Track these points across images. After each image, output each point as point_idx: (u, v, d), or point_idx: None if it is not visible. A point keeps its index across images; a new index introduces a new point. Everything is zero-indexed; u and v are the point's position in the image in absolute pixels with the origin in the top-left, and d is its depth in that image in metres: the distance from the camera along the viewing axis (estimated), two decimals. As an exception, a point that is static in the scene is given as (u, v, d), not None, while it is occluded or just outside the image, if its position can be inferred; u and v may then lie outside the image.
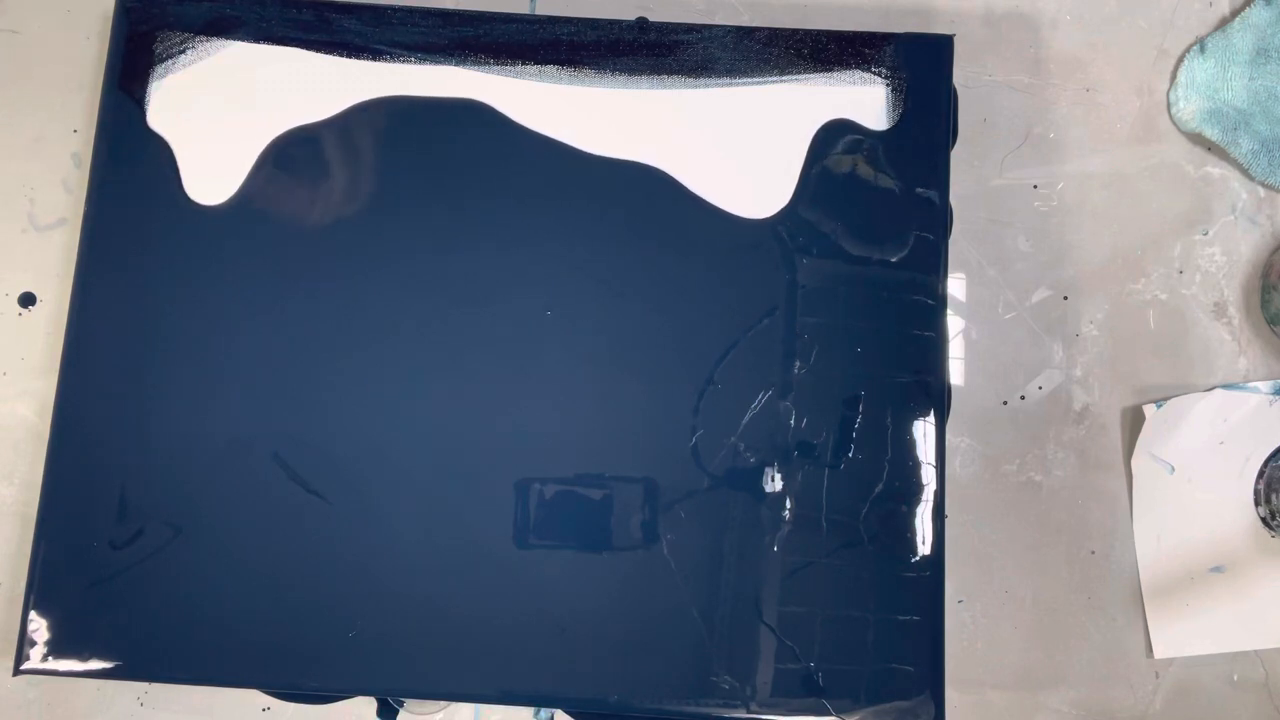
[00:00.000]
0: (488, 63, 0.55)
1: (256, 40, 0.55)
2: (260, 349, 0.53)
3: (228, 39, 0.55)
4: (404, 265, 0.54)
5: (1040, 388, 0.56)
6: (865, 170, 0.54)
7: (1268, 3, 0.57)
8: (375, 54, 0.55)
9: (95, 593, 0.51)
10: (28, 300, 0.56)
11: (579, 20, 0.55)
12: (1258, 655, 0.55)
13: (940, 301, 0.53)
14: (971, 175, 0.57)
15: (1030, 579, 0.55)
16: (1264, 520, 0.56)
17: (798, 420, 0.53)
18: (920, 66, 0.55)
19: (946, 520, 0.53)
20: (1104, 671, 0.55)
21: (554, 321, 0.53)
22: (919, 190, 0.54)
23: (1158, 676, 0.55)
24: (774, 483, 0.52)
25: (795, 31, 0.55)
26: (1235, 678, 0.55)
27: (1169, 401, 0.56)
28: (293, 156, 0.54)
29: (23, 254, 0.56)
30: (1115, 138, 0.58)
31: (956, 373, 0.56)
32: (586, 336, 0.53)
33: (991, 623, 0.55)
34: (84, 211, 0.54)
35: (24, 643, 0.50)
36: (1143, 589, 0.55)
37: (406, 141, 0.54)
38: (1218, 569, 0.56)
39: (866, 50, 0.55)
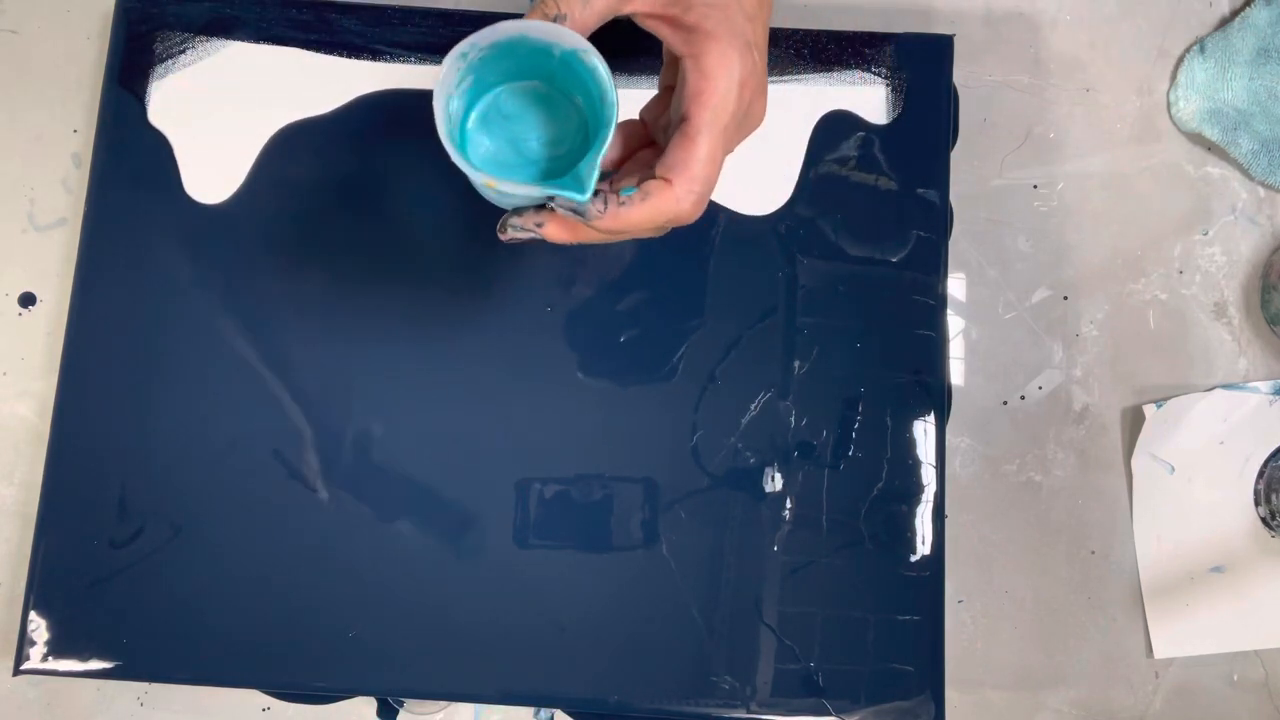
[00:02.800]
0: (488, 63, 0.55)
1: (256, 40, 0.55)
2: (260, 347, 0.53)
3: (228, 39, 0.55)
4: (404, 262, 0.54)
5: (1040, 388, 0.56)
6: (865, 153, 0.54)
7: (1268, 3, 0.57)
8: (375, 54, 0.55)
9: (95, 593, 0.51)
10: (28, 300, 0.56)
11: (579, 20, 0.55)
12: (1258, 655, 0.55)
13: (940, 301, 0.54)
14: (971, 175, 0.57)
15: (1030, 579, 0.55)
16: (1264, 520, 0.56)
17: (798, 420, 0.53)
18: (920, 66, 0.55)
19: (946, 520, 0.53)
20: (1104, 671, 0.55)
21: (554, 319, 0.53)
22: (919, 190, 0.54)
23: (1158, 676, 0.55)
24: (774, 483, 0.52)
25: (795, 31, 0.55)
26: (1235, 678, 0.55)
27: (1169, 401, 0.56)
28: (292, 152, 0.54)
29: (23, 254, 0.56)
30: (1115, 138, 0.58)
31: (956, 373, 0.56)
32: (586, 334, 0.53)
33: (991, 623, 0.55)
34: (84, 211, 0.54)
35: (24, 643, 0.50)
36: (1143, 589, 0.55)
37: (406, 136, 0.54)
38: (1218, 569, 0.56)
39: (866, 50, 0.55)
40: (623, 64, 0.55)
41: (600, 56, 0.36)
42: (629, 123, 0.42)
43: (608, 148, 0.36)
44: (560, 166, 0.40)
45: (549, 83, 0.40)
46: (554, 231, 0.38)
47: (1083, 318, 0.57)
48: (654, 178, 0.37)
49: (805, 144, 0.54)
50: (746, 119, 0.38)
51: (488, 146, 0.40)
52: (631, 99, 0.55)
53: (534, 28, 0.36)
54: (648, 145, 0.42)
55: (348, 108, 0.54)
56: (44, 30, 0.58)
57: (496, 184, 0.36)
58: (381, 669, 0.51)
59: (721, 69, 0.36)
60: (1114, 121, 0.58)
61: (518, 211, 0.38)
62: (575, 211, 0.36)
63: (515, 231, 0.38)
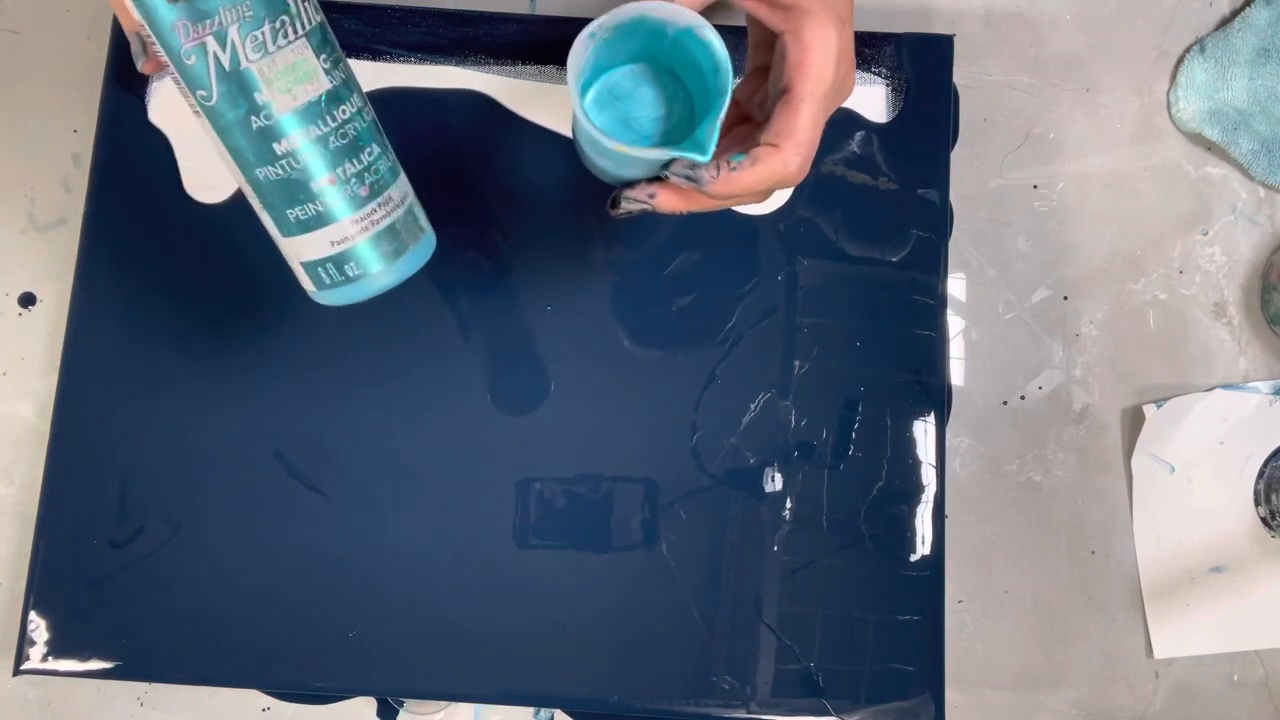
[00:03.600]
0: (488, 62, 0.55)
1: (256, 40, 0.55)
2: (260, 347, 0.53)
3: (228, 39, 0.55)
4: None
5: (1040, 388, 0.56)
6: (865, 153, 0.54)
7: (1268, 3, 0.57)
8: (375, 54, 0.55)
9: (95, 593, 0.51)
10: (28, 300, 0.56)
11: (579, 20, 0.55)
12: (1258, 655, 0.55)
13: (940, 301, 0.54)
14: (971, 175, 0.57)
15: (1030, 579, 0.55)
16: (1264, 520, 0.56)
17: (798, 420, 0.53)
18: (920, 66, 0.55)
19: (946, 520, 0.53)
20: (1104, 671, 0.55)
21: (554, 318, 0.53)
22: (919, 190, 0.54)
23: (1158, 676, 0.55)
24: (774, 483, 0.52)
25: (795, 31, 0.55)
26: (1235, 678, 0.55)
27: (1169, 401, 0.56)
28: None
29: (23, 254, 0.56)
30: (1115, 138, 0.58)
31: (956, 373, 0.56)
32: (586, 334, 0.53)
33: (991, 623, 0.55)
34: (84, 211, 0.54)
35: (24, 643, 0.50)
36: (1143, 589, 0.55)
37: (406, 133, 0.54)
38: (1218, 569, 0.56)
39: (866, 50, 0.55)
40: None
41: (714, 30, 0.39)
42: None
43: (725, 111, 0.39)
44: (669, 140, 0.43)
45: (655, 63, 0.44)
46: (667, 200, 0.40)
47: (1083, 318, 0.57)
48: (760, 144, 0.39)
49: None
50: (840, 90, 0.41)
51: (603, 123, 0.44)
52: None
53: (653, 8, 0.39)
54: (742, 122, 0.45)
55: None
56: (44, 30, 0.58)
57: (627, 149, 0.38)
58: (381, 669, 0.51)
59: (820, 42, 0.39)
60: (1114, 121, 0.58)
61: (630, 185, 0.40)
62: (690, 179, 0.39)
63: (628, 204, 0.41)
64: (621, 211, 0.41)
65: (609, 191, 0.41)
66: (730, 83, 0.39)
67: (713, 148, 0.38)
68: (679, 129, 0.43)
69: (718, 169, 0.39)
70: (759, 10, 0.41)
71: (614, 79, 0.44)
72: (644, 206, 0.41)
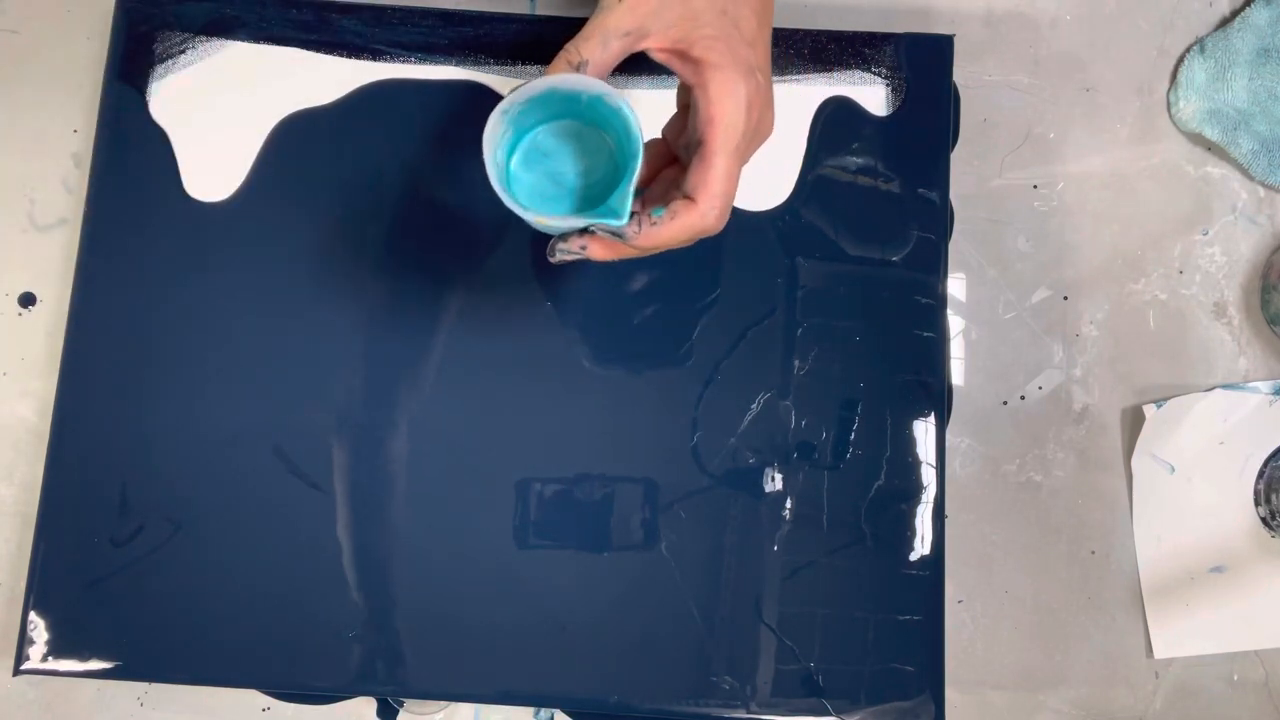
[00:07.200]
0: (488, 63, 0.55)
1: (256, 40, 0.55)
2: (260, 346, 0.53)
3: (228, 39, 0.55)
4: (404, 261, 0.53)
5: (1040, 388, 0.56)
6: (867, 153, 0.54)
7: (1268, 3, 0.57)
8: (375, 54, 0.55)
9: (95, 592, 0.51)
10: (28, 300, 0.56)
11: (579, 20, 0.55)
12: (1258, 655, 0.55)
13: (940, 301, 0.54)
14: (971, 175, 0.57)
15: (1030, 579, 0.55)
16: (1264, 520, 0.56)
17: (798, 420, 0.53)
18: (920, 66, 0.55)
19: (946, 520, 0.53)
20: (1104, 671, 0.55)
21: (554, 316, 0.53)
22: (919, 190, 0.54)
23: (1158, 676, 0.55)
24: (774, 483, 0.52)
25: (795, 31, 0.55)
26: (1235, 678, 0.55)
27: (1169, 401, 0.56)
28: (292, 149, 0.54)
29: (23, 254, 0.56)
30: (1115, 138, 0.58)
31: (956, 373, 0.56)
32: (587, 332, 0.53)
33: (991, 623, 0.55)
34: (84, 211, 0.54)
35: (24, 643, 0.50)
36: (1143, 589, 0.55)
37: (408, 128, 0.54)
38: (1218, 569, 0.56)
39: (866, 50, 0.55)
40: (626, 65, 0.55)
41: (623, 97, 0.41)
42: (653, 142, 0.46)
43: (637, 175, 0.41)
44: (595, 192, 0.45)
45: (579, 119, 0.45)
46: (597, 251, 0.43)
47: (1083, 318, 0.57)
48: (680, 198, 0.42)
49: (804, 141, 0.54)
50: (756, 134, 0.43)
51: (530, 181, 0.45)
52: (635, 99, 0.55)
53: (561, 81, 0.41)
54: (671, 163, 0.47)
55: (349, 99, 0.54)
56: (44, 30, 0.58)
57: (546, 220, 0.41)
58: (381, 669, 0.51)
59: (728, 96, 0.41)
60: (1114, 121, 0.58)
61: (564, 237, 0.43)
62: (614, 234, 0.41)
63: (563, 255, 0.43)
64: (558, 260, 0.43)
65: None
66: (640, 148, 0.41)
67: (627, 213, 0.40)
68: (605, 180, 0.45)
69: (639, 224, 0.41)
70: (671, 63, 0.43)
71: (539, 137, 0.45)
72: (578, 255, 0.43)
